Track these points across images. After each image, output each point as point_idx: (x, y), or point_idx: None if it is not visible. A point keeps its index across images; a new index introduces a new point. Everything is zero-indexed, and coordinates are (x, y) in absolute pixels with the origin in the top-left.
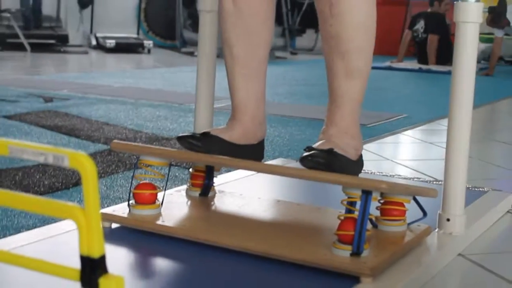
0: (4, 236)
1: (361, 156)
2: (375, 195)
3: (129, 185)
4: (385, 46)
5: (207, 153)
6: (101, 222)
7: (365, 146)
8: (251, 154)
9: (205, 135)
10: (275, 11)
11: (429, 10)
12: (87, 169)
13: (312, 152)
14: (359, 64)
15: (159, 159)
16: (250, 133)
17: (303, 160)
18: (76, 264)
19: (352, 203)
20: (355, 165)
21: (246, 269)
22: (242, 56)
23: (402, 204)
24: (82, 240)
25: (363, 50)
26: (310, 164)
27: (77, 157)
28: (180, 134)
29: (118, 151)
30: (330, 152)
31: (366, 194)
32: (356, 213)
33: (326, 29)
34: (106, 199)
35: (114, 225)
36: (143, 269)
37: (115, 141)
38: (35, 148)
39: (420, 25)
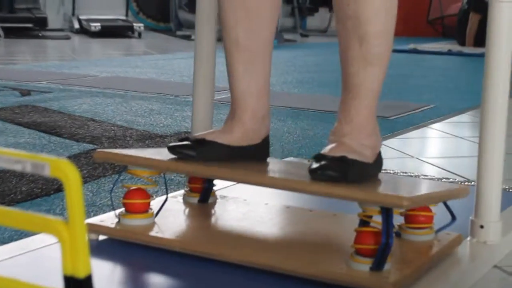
0: None
1: (379, 154)
2: (397, 209)
3: (118, 191)
4: (409, 26)
5: (203, 161)
6: (87, 237)
7: (387, 142)
8: (254, 155)
9: (200, 142)
10: None
11: None
12: (71, 178)
13: (322, 163)
14: (379, 49)
15: (150, 169)
16: (252, 133)
17: (312, 174)
18: (59, 284)
19: (369, 216)
20: (372, 168)
21: (251, 286)
22: (242, 40)
23: (428, 209)
24: (66, 258)
25: (384, 34)
26: (321, 179)
27: (59, 165)
28: (171, 144)
29: (102, 161)
30: (342, 160)
31: (386, 211)
32: (373, 225)
33: (342, 9)
34: (92, 207)
35: (101, 237)
36: None
37: (99, 150)
38: (10, 154)
39: None
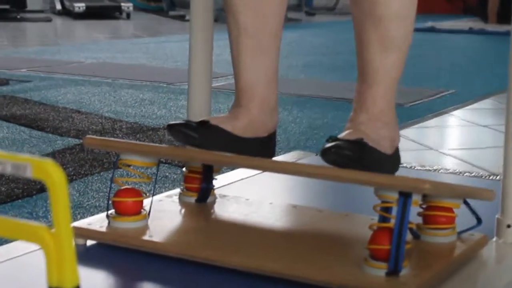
0: None
1: (397, 149)
2: (416, 198)
3: (108, 190)
4: (426, 2)
5: (205, 147)
6: (73, 245)
7: (403, 132)
8: (259, 149)
9: (203, 124)
10: None
11: None
12: (56, 180)
13: (337, 143)
14: (398, 34)
15: (145, 158)
16: (259, 124)
17: (325, 153)
18: None
19: (387, 209)
20: (390, 161)
21: None
22: (250, 26)
23: (450, 209)
24: (51, 268)
25: (402, 16)
26: (334, 158)
27: (43, 166)
28: (172, 122)
29: (92, 148)
30: (359, 143)
31: (405, 196)
32: (393, 221)
33: None
34: (80, 209)
35: (89, 242)
36: None
37: (89, 136)
38: None
39: None
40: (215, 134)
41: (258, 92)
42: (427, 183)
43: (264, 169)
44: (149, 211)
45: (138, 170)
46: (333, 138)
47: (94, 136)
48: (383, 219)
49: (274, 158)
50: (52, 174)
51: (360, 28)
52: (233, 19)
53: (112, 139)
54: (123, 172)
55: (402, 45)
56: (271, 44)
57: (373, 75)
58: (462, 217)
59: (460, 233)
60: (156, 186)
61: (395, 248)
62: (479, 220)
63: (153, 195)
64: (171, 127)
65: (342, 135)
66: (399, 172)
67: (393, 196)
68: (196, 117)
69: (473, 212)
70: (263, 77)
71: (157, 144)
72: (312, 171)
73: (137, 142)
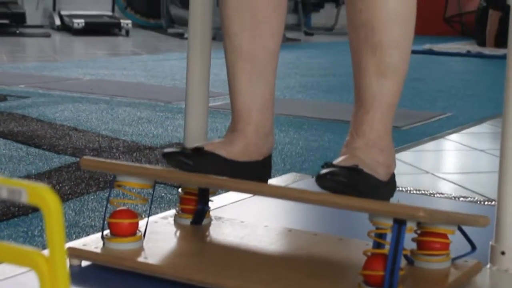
0: None
1: (393, 176)
2: (410, 225)
3: (103, 210)
4: (424, 25)
5: (200, 173)
6: (67, 270)
7: (398, 155)
8: (255, 172)
9: (198, 151)
10: None
11: None
12: (51, 206)
13: (332, 169)
14: (395, 60)
15: (140, 179)
16: (254, 147)
17: (320, 179)
18: None
19: (381, 235)
20: (385, 187)
21: None
22: (246, 48)
23: (444, 236)
24: None
25: (399, 42)
26: (329, 184)
27: (38, 192)
28: (167, 150)
29: (89, 169)
30: (354, 169)
31: (399, 224)
32: (387, 247)
33: (354, 15)
34: (75, 228)
35: (84, 263)
36: None
37: (85, 157)
38: None
39: None
40: (210, 161)
41: (254, 116)
42: (421, 211)
43: (259, 193)
44: (144, 233)
45: (134, 191)
46: (328, 164)
47: (91, 158)
48: (378, 245)
49: (270, 180)
50: (48, 200)
51: (357, 54)
52: (229, 40)
53: (108, 160)
54: (119, 192)
55: (399, 71)
56: (268, 66)
57: (370, 101)
58: (457, 243)
59: (454, 259)
60: (152, 206)
61: (389, 274)
62: (473, 247)
63: (149, 216)
64: (166, 156)
65: (337, 161)
66: (394, 196)
67: (388, 223)
68: (193, 137)
69: (468, 239)
70: (260, 100)
71: (153, 166)
72: (307, 197)
73: (134, 164)
